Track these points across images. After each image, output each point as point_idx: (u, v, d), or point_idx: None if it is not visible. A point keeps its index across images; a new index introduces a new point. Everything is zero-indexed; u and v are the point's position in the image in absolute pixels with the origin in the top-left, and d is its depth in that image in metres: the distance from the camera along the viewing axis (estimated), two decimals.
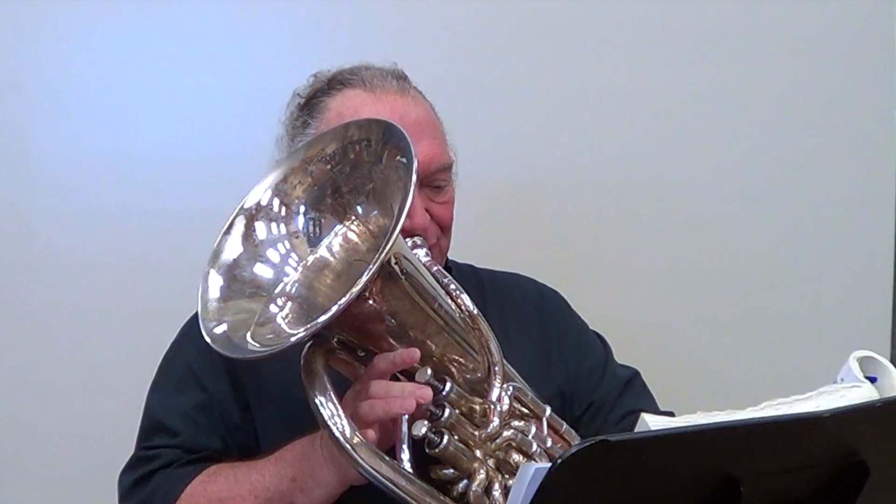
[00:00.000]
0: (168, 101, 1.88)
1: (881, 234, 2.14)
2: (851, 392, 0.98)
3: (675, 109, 2.05)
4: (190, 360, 1.34)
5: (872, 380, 1.01)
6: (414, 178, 1.11)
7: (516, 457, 1.19)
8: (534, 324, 1.49)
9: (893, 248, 2.14)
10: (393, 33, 1.93)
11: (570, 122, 2.01)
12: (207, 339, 1.14)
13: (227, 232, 1.22)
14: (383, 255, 1.06)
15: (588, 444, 0.79)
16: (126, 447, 1.39)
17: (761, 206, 2.09)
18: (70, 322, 1.88)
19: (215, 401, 1.34)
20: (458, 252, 1.52)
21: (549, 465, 0.80)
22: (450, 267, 1.47)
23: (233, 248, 1.21)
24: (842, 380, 1.02)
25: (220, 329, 1.15)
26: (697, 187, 2.07)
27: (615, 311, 1.93)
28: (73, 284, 1.87)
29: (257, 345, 1.13)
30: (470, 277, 1.52)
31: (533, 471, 0.82)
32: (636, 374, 1.51)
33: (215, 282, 1.19)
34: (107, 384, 1.85)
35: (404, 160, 1.14)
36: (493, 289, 1.51)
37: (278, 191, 1.23)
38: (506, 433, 1.18)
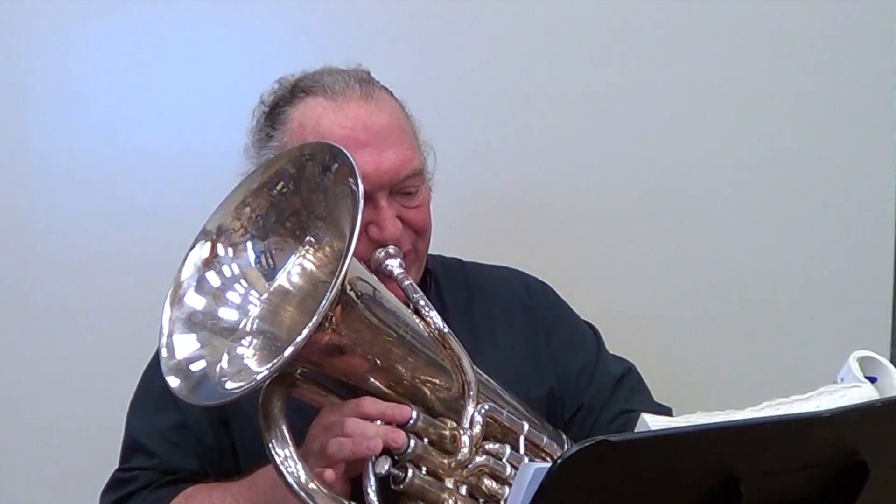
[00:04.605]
0: (169, 100, 1.88)
1: (881, 234, 2.14)
2: (851, 392, 0.98)
3: (675, 107, 2.05)
4: None
5: (872, 380, 1.01)
6: (361, 204, 1.08)
7: (489, 483, 1.18)
8: (521, 322, 1.47)
9: (893, 248, 2.14)
10: (383, 33, 1.92)
11: (561, 119, 2.01)
12: (171, 384, 1.12)
13: (186, 264, 1.20)
14: (336, 287, 1.03)
15: (588, 444, 0.79)
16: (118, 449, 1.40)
17: (761, 206, 2.09)
18: (71, 321, 1.88)
19: (190, 421, 1.34)
20: (449, 248, 1.51)
21: (549, 464, 0.80)
22: (430, 269, 1.45)
23: (192, 286, 1.19)
24: (842, 380, 1.02)
25: (182, 371, 1.13)
26: (698, 187, 2.07)
27: (614, 313, 1.92)
28: (73, 284, 1.87)
29: (223, 388, 1.11)
30: (457, 273, 1.50)
31: (533, 471, 0.82)
32: (629, 369, 1.49)
33: (175, 319, 1.17)
34: (108, 383, 1.84)
35: (351, 180, 1.11)
36: (479, 286, 1.49)
37: (237, 215, 1.20)
38: (478, 459, 1.17)
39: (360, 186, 1.09)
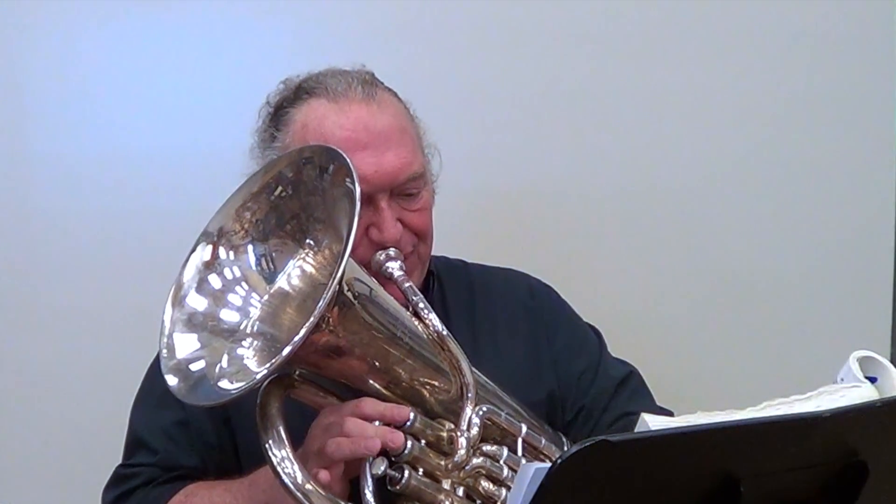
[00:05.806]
0: (174, 101, 1.88)
1: (881, 234, 2.14)
2: (851, 392, 0.98)
3: (677, 107, 2.05)
4: None
5: (872, 380, 1.01)
6: (358, 205, 1.08)
7: (486, 484, 1.18)
8: (524, 325, 1.47)
9: (893, 248, 2.14)
10: (389, 34, 1.92)
11: (566, 121, 2.01)
12: (170, 383, 1.13)
13: (188, 265, 1.20)
14: (332, 287, 1.03)
15: (588, 444, 0.79)
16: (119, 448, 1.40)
17: (762, 206, 2.09)
18: (72, 321, 1.88)
19: (192, 419, 1.35)
20: (453, 249, 1.51)
21: (549, 464, 0.80)
22: (433, 271, 1.45)
23: (193, 288, 1.19)
24: (842, 380, 1.02)
25: (182, 371, 1.13)
26: (699, 188, 2.07)
27: (614, 313, 1.92)
28: (75, 284, 1.87)
29: (221, 388, 1.11)
30: (460, 274, 1.50)
31: (533, 471, 0.82)
32: (631, 373, 1.49)
33: (176, 319, 1.17)
34: (109, 382, 1.84)
35: (349, 182, 1.11)
36: (483, 287, 1.49)
37: (238, 218, 1.21)
38: (475, 461, 1.17)
39: (357, 187, 1.09)
